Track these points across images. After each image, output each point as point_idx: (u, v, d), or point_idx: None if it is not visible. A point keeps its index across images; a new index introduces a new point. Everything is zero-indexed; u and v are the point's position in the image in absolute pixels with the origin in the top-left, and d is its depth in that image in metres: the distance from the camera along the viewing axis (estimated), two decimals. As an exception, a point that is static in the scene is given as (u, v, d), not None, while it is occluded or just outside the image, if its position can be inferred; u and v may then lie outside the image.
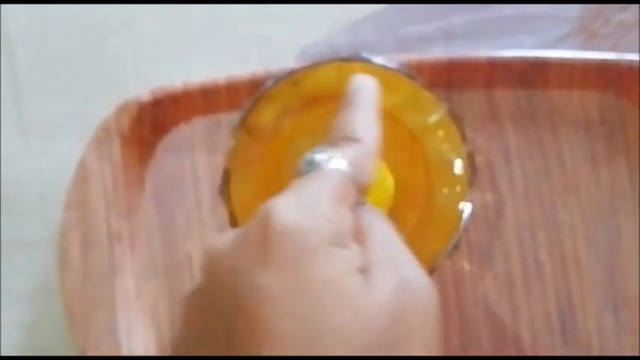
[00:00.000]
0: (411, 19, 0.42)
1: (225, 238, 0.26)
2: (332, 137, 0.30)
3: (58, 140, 0.41)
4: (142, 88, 0.39)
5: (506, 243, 0.40)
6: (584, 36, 0.42)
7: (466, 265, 0.40)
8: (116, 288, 0.38)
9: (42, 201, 0.41)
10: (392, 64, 0.36)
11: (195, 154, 0.40)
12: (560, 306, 0.39)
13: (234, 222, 0.35)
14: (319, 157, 0.29)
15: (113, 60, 0.42)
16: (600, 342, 0.39)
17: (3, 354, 0.40)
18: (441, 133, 0.37)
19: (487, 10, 0.42)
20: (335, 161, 0.28)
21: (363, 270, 0.26)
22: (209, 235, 0.26)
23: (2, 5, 0.43)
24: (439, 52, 0.41)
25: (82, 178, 0.39)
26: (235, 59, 0.42)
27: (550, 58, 0.40)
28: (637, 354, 0.39)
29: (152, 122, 0.40)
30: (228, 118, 0.40)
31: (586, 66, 0.40)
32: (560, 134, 0.40)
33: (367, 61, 0.36)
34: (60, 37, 0.43)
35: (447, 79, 0.40)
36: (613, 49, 0.41)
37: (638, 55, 0.40)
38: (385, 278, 0.26)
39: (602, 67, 0.40)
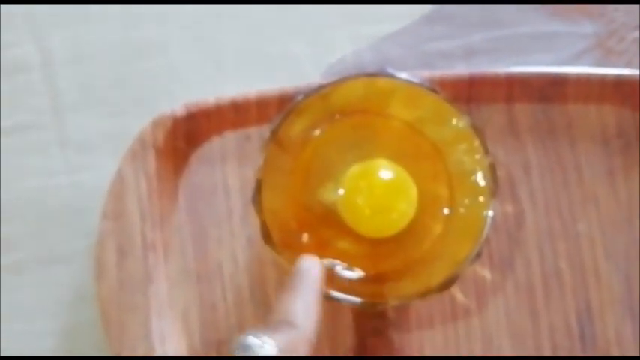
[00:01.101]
0: (433, 37, 0.44)
1: None
2: (271, 319, 0.32)
3: (96, 155, 0.43)
4: (176, 104, 0.41)
5: (526, 253, 0.40)
6: (599, 53, 0.43)
7: (488, 275, 0.40)
8: (150, 295, 0.39)
9: (80, 212, 0.42)
10: (415, 79, 0.37)
11: (227, 166, 0.41)
12: (580, 315, 0.40)
13: (265, 230, 0.37)
14: (253, 342, 0.30)
15: (148, 80, 0.44)
16: (619, 350, 0.40)
17: (14, 354, 0.41)
18: (462, 145, 0.38)
19: (506, 28, 0.44)
20: (267, 348, 0.30)
21: None
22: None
23: (44, 28, 0.44)
24: (460, 69, 0.42)
25: (118, 189, 0.40)
26: (264, 79, 0.43)
27: (568, 74, 0.41)
28: (656, 362, 0.40)
29: (186, 135, 0.41)
30: (258, 132, 0.41)
31: (603, 81, 0.41)
32: (577, 148, 0.41)
33: (392, 76, 0.38)
34: (98, 57, 0.44)
35: (467, 94, 0.41)
36: (628, 65, 0.42)
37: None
38: None
39: (619, 82, 0.41)
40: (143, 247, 0.39)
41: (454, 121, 0.38)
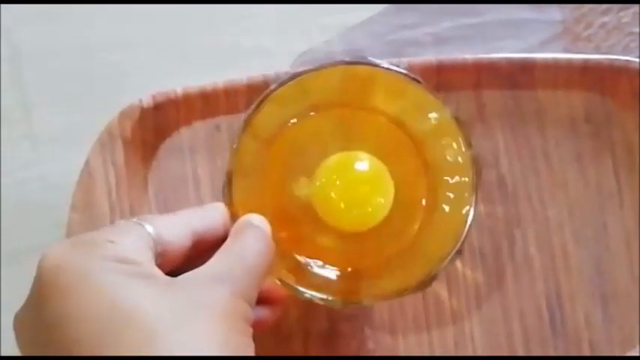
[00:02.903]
0: (402, 25, 0.44)
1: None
2: None
3: (65, 147, 0.43)
4: (143, 96, 0.41)
5: (496, 239, 0.41)
6: (567, 39, 0.43)
7: (458, 262, 0.40)
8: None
9: (50, 205, 0.42)
10: (396, 68, 0.36)
11: (196, 157, 0.41)
12: (550, 300, 0.40)
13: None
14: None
15: (115, 73, 0.44)
16: (589, 334, 0.40)
17: (14, 354, 0.41)
18: (445, 137, 0.37)
19: (475, 15, 0.44)
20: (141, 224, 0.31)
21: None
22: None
23: (11, 24, 0.44)
24: (430, 56, 0.42)
25: (86, 180, 0.40)
26: (233, 71, 0.42)
27: (535, 59, 0.41)
28: (626, 346, 0.40)
29: (154, 126, 0.41)
30: (228, 122, 0.41)
31: (570, 66, 0.41)
32: (547, 133, 0.41)
33: (371, 64, 0.36)
34: (66, 52, 0.44)
35: (436, 81, 0.41)
36: (596, 51, 0.43)
37: (620, 55, 0.41)
38: None
39: (586, 67, 0.41)
40: (113, 238, 0.39)
41: (436, 113, 0.37)
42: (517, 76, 0.41)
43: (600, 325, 0.40)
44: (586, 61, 0.41)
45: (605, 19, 0.43)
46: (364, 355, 0.40)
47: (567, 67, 0.41)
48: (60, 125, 0.43)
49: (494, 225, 0.41)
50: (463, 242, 0.35)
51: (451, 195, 0.37)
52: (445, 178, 0.37)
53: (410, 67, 0.40)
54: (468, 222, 0.36)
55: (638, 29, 0.43)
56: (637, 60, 0.40)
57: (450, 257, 0.35)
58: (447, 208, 0.37)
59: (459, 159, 0.36)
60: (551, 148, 0.41)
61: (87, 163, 0.40)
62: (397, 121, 0.37)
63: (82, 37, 0.44)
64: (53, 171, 0.43)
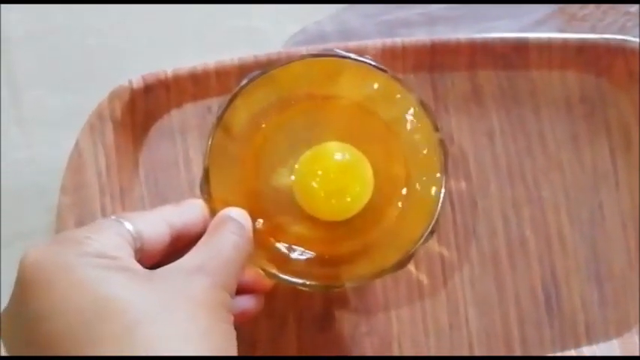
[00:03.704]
0: (394, 5, 0.43)
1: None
2: None
3: (55, 131, 0.42)
4: (134, 76, 0.40)
5: (491, 221, 0.40)
6: (563, 18, 0.43)
7: (452, 244, 0.40)
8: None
9: (40, 189, 0.41)
10: (362, 58, 0.37)
11: (187, 138, 0.41)
12: (545, 281, 0.40)
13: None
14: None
15: (106, 54, 0.43)
16: (585, 316, 0.40)
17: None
18: (412, 123, 0.37)
19: (469, -5, 0.43)
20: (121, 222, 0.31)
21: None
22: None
23: (0, 7, 0.44)
24: (423, 36, 0.42)
25: (76, 163, 0.39)
26: (226, 51, 0.42)
27: (529, 39, 0.41)
28: (621, 327, 0.40)
29: (144, 108, 0.40)
30: (219, 103, 0.40)
31: (565, 46, 0.41)
32: (541, 114, 0.41)
33: (339, 56, 0.37)
34: (55, 33, 0.43)
35: (430, 61, 0.41)
36: (592, 31, 0.42)
37: (616, 35, 0.41)
38: None
39: (581, 47, 0.40)
40: (103, 220, 0.39)
41: (403, 99, 0.37)
42: (511, 57, 0.41)
43: (596, 307, 0.40)
44: (582, 41, 0.40)
45: (600, -2, 0.43)
46: (358, 337, 0.40)
47: (562, 48, 0.41)
48: (50, 108, 0.43)
49: (488, 206, 0.41)
50: (436, 222, 0.36)
51: (422, 178, 0.37)
52: (417, 162, 0.37)
53: (404, 48, 0.40)
54: (440, 202, 0.36)
55: (634, 8, 0.42)
56: (634, 39, 0.40)
57: (424, 237, 0.36)
58: (420, 192, 0.37)
59: (427, 143, 0.37)
60: (546, 129, 0.41)
61: (77, 144, 0.39)
62: (367, 110, 0.38)
63: (73, 20, 0.44)
64: (43, 154, 0.42)
